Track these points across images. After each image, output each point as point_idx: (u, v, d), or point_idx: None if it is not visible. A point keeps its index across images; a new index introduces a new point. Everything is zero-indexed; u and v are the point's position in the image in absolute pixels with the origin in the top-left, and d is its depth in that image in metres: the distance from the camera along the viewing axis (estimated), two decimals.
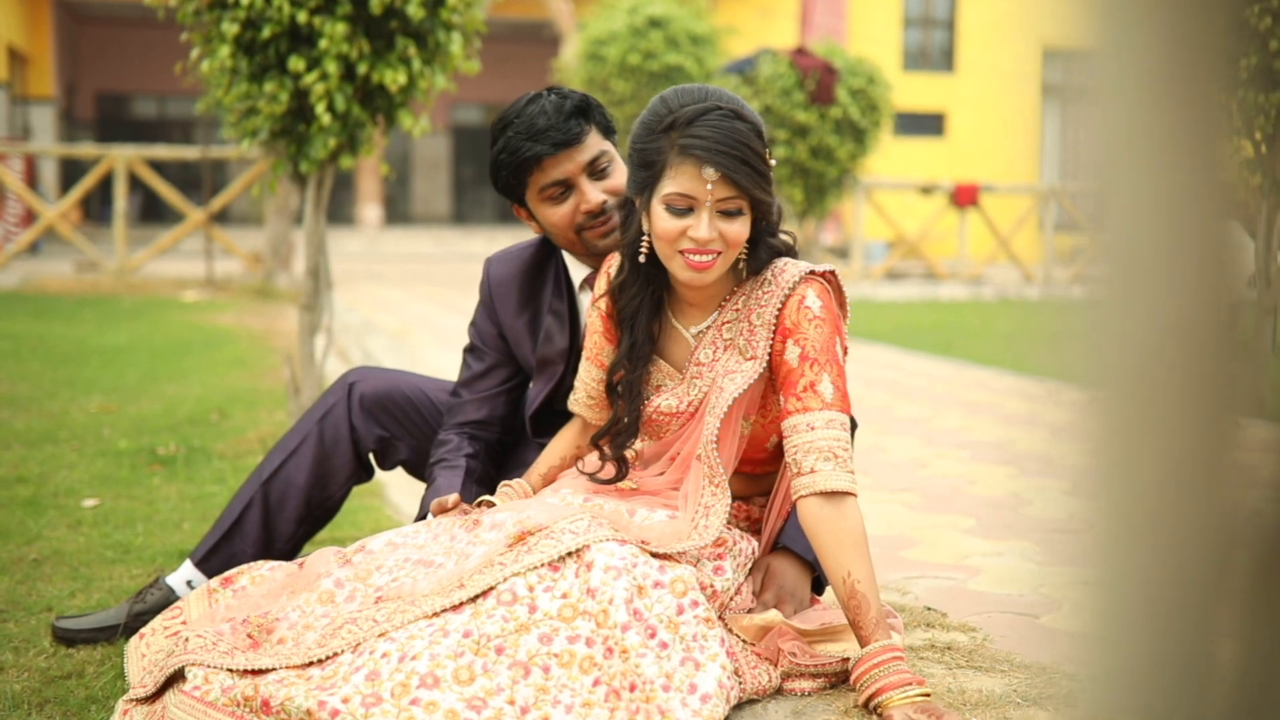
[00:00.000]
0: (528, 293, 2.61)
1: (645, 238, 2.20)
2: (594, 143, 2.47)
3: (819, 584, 2.35)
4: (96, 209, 23.60)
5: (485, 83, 19.10)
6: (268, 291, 11.43)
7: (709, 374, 2.24)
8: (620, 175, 2.49)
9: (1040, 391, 6.33)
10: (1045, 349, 8.37)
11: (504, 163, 2.48)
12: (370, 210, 24.94)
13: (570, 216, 2.48)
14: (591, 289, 2.54)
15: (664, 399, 2.28)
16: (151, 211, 23.73)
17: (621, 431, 2.32)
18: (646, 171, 2.16)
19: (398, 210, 28.37)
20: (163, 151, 12.99)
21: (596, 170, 2.47)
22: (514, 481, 2.42)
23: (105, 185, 16.99)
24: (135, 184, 16.45)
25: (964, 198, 15.01)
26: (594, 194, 2.46)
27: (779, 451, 2.30)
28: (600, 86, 12.66)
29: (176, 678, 2.05)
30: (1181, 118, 0.62)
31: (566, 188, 2.47)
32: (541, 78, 18.81)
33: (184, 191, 16.39)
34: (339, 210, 26.02)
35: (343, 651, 1.98)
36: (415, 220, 28.41)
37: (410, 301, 11.77)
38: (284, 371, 4.46)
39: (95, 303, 10.32)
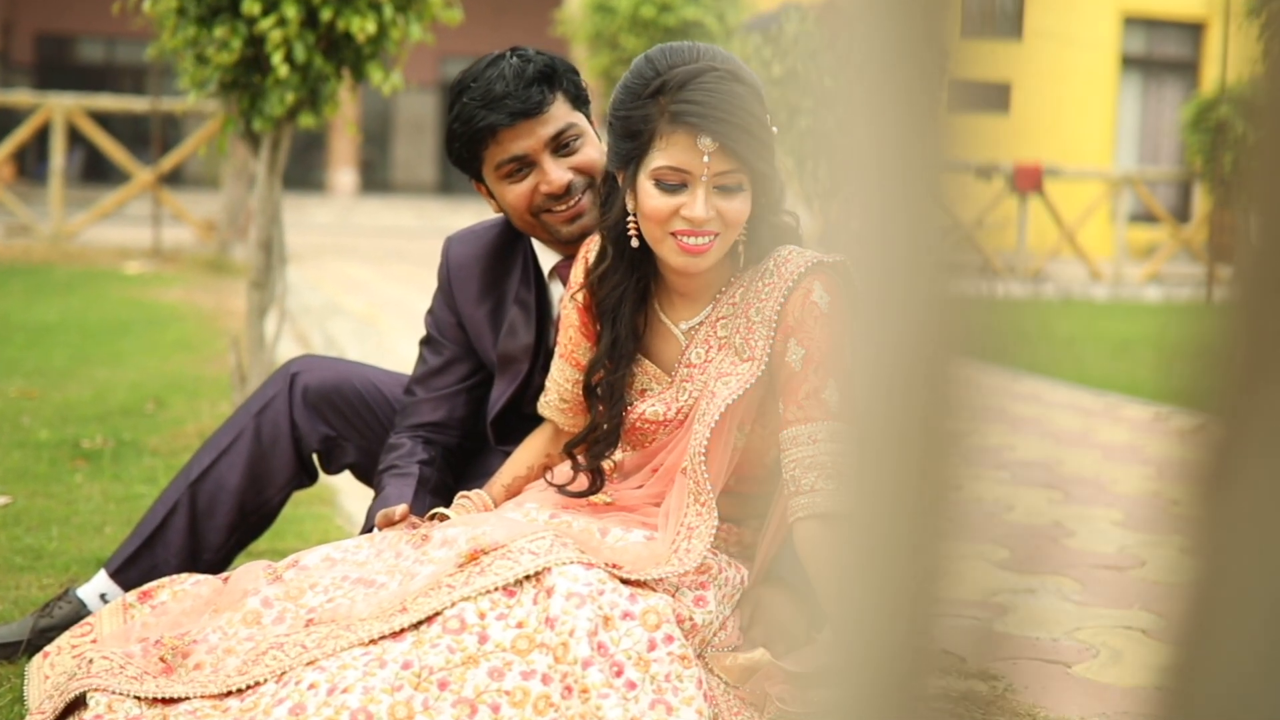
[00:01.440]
0: (491, 278, 2.61)
1: (631, 218, 2.20)
2: (559, 114, 2.47)
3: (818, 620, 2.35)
4: (33, 165, 23.67)
5: (480, 35, 19.13)
6: (222, 264, 11.46)
7: (701, 377, 2.24)
8: (591, 151, 2.49)
9: (1098, 406, 6.32)
10: (1111, 357, 8.35)
11: (457, 133, 2.49)
12: (344, 176, 24.97)
13: (528, 197, 2.48)
14: (561, 279, 2.53)
15: (650, 405, 2.28)
16: (97, 171, 23.79)
17: (600, 440, 2.32)
18: (632, 142, 2.15)
19: (376, 177, 28.40)
20: (107, 102, 13.03)
21: (561, 145, 2.47)
22: (473, 493, 2.42)
23: (44, 139, 17.03)
24: (78, 138, 16.51)
25: (1024, 182, 14.97)
26: (557, 173, 2.46)
27: (780, 469, 2.29)
28: (609, 42, 12.68)
29: (78, 704, 2.05)
30: (911, 120, 0.70)
31: (526, 164, 2.47)
32: (543, 30, 18.83)
33: (134, 149, 16.44)
34: (309, 175, 26.06)
35: (266, 680, 1.99)
36: (395, 189, 28.44)
37: (383, 281, 11.79)
38: (229, 357, 4.48)
39: (25, 272, 10.36)
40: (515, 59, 2.48)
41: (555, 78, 2.47)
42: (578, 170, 2.47)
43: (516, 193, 2.48)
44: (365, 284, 11.42)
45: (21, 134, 12.37)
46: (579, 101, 2.51)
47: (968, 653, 2.48)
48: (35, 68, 26.29)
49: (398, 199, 25.81)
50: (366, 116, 26.97)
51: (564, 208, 2.47)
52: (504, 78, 2.44)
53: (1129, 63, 20.74)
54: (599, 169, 2.47)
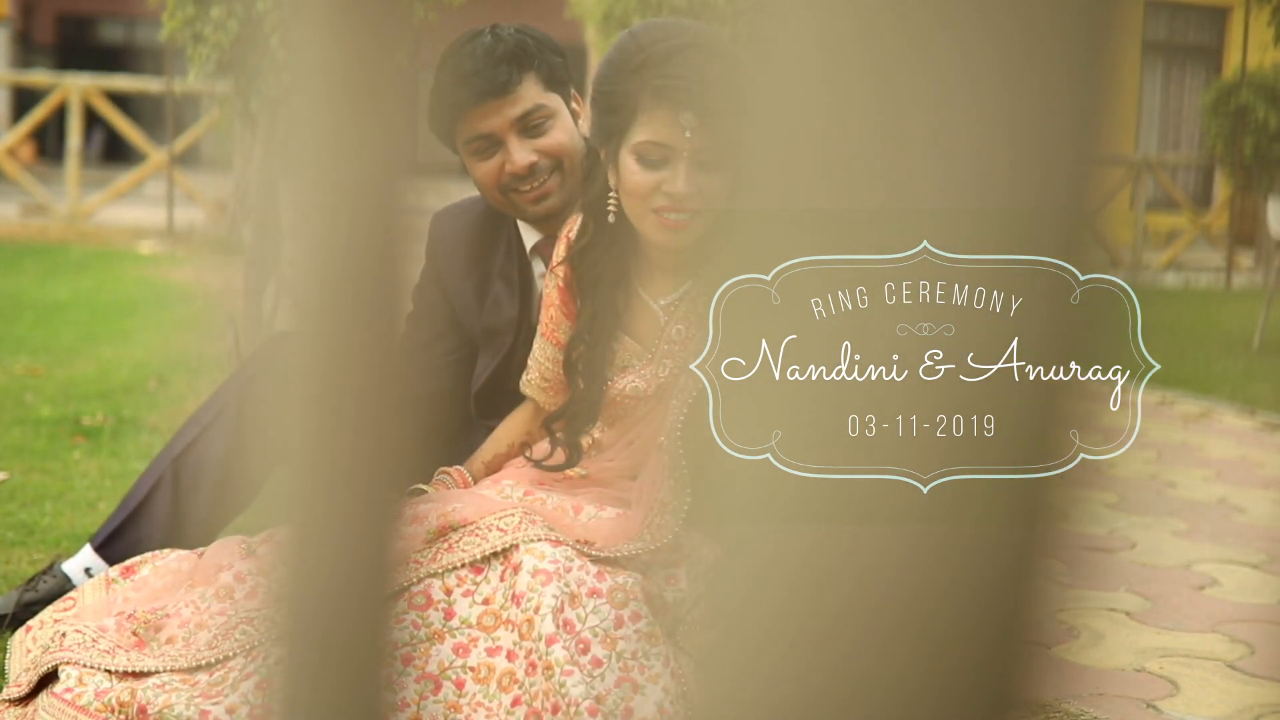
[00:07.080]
0: (476, 252, 2.62)
1: (612, 194, 2.20)
2: (528, 94, 2.46)
3: None
4: (54, 146, 23.73)
5: (502, 11, 19.08)
6: (231, 244, 11.46)
7: (681, 353, 2.23)
8: (560, 134, 2.48)
9: (1102, 391, 6.30)
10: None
11: (432, 107, 2.51)
12: None
13: (495, 175, 2.49)
14: (542, 257, 2.54)
15: (630, 380, 2.27)
16: (118, 152, 23.85)
17: (580, 415, 2.32)
18: (614, 118, 2.15)
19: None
20: (123, 82, 13.05)
21: (529, 126, 2.46)
22: (452, 469, 2.42)
23: (65, 119, 17.08)
24: (100, 120, 16.54)
25: None
26: (521, 154, 2.46)
27: None
28: (619, 23, 12.65)
29: (51, 677, 2.06)
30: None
31: (493, 143, 2.48)
32: (559, 12, 18.82)
33: (154, 130, 16.43)
34: None
35: (234, 655, 1.99)
36: (419, 170, 28.42)
37: None
38: (226, 334, 4.49)
39: (40, 251, 10.41)
40: (489, 36, 2.48)
41: (527, 58, 2.46)
42: (544, 152, 2.47)
43: (483, 170, 2.50)
44: None
45: (39, 113, 12.42)
46: (554, 82, 2.50)
47: None
48: (57, 48, 26.35)
49: (421, 180, 25.81)
50: None
51: (529, 188, 2.48)
52: (474, 55, 2.45)
53: (1151, 48, 20.59)
54: (569, 151, 2.48)
